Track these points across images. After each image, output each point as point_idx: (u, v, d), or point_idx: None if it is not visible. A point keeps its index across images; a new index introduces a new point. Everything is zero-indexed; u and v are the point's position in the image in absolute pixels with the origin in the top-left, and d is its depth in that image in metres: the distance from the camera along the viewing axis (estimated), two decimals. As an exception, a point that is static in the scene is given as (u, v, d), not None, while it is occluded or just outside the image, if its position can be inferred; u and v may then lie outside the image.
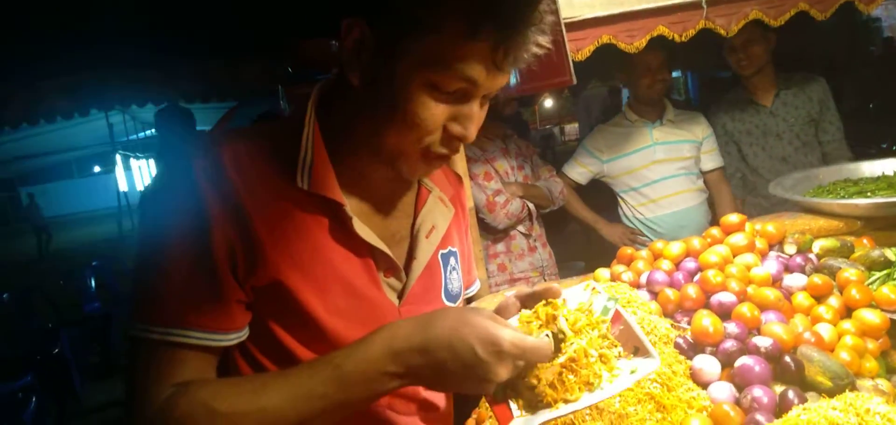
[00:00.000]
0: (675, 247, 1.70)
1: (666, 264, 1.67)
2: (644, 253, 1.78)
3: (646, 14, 2.09)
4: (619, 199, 2.96)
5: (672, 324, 1.45)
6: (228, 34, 3.64)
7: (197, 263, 0.79)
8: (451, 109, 0.80)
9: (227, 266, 0.79)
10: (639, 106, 2.84)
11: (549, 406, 0.79)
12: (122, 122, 9.33)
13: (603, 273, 1.78)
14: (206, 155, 0.81)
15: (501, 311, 0.92)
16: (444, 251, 1.04)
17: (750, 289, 1.47)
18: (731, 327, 1.34)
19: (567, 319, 0.83)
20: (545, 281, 2.67)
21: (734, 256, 1.62)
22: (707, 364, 1.28)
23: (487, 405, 1.29)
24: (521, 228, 2.70)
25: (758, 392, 1.15)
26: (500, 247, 2.70)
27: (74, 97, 3.61)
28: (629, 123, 2.85)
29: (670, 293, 1.53)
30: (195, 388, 0.77)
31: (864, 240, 1.69)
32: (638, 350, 0.85)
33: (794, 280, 1.52)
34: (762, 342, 1.26)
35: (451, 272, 1.05)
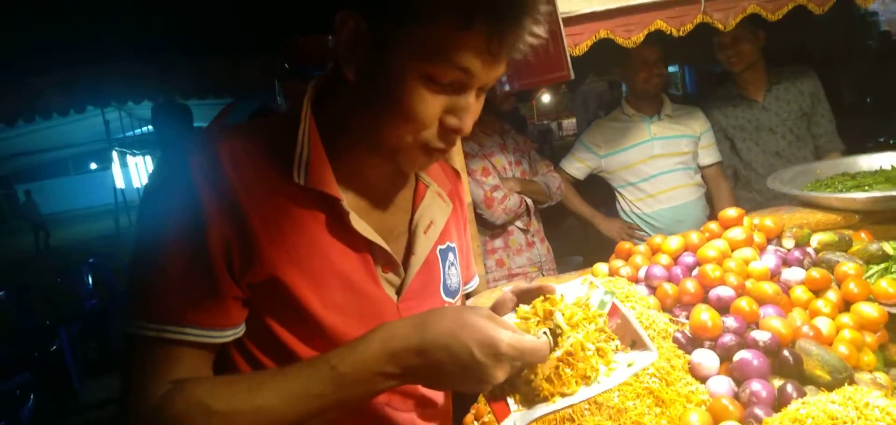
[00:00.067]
0: (674, 242, 1.70)
1: (664, 259, 1.67)
2: (642, 247, 1.78)
3: (643, 8, 2.08)
4: (617, 194, 2.95)
5: (670, 319, 1.45)
6: (225, 30, 3.63)
7: (193, 260, 0.78)
8: (447, 101, 0.80)
9: (223, 262, 0.79)
10: (636, 101, 2.84)
11: (546, 400, 0.79)
12: (118, 119, 9.30)
13: (601, 268, 1.78)
14: (202, 151, 0.81)
15: (498, 307, 0.91)
16: (443, 246, 1.04)
17: (748, 284, 1.47)
18: (730, 321, 1.34)
19: (563, 314, 0.83)
20: (543, 276, 2.67)
21: (732, 250, 1.62)
22: (705, 358, 1.28)
23: (485, 401, 1.29)
24: (518, 224, 2.70)
25: (756, 386, 1.15)
26: (498, 242, 2.70)
27: (70, 93, 3.60)
28: (627, 118, 2.85)
29: (668, 287, 1.53)
30: (191, 386, 0.77)
31: (862, 234, 1.69)
32: (635, 343, 0.85)
33: (793, 274, 1.52)
34: (761, 336, 1.26)
35: (449, 268, 1.05)
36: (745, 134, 2.86)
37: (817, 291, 1.46)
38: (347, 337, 0.80)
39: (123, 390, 0.80)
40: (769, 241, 1.71)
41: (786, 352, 1.22)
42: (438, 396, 1.04)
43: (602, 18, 2.07)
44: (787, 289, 1.49)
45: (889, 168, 2.14)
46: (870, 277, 1.48)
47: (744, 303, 1.38)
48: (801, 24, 2.40)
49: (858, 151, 2.41)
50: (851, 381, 1.15)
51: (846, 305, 1.42)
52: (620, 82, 2.92)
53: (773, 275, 1.55)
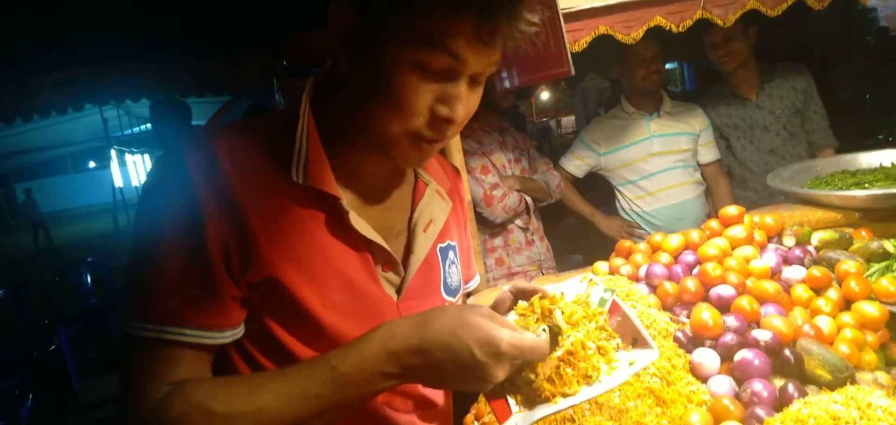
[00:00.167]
0: (674, 240, 1.69)
1: (664, 257, 1.66)
2: (642, 246, 1.78)
3: (643, 4, 2.08)
4: (617, 192, 2.95)
5: (671, 318, 1.45)
6: (224, 28, 3.62)
7: (191, 260, 0.78)
8: (438, 90, 0.79)
9: (221, 261, 0.78)
10: (635, 98, 2.83)
11: (547, 400, 0.78)
12: (116, 117, 9.30)
13: (601, 266, 1.77)
14: (200, 149, 0.80)
15: (496, 307, 0.91)
16: (443, 245, 1.03)
17: (749, 282, 1.47)
18: (731, 320, 1.33)
19: (564, 312, 0.83)
20: (543, 275, 2.67)
21: (733, 249, 1.62)
22: (706, 357, 1.27)
23: (485, 400, 1.28)
24: (518, 222, 2.70)
25: (757, 385, 1.14)
26: (498, 241, 2.69)
27: (68, 92, 3.60)
28: (626, 115, 2.85)
29: (669, 286, 1.53)
30: (190, 388, 0.76)
31: (863, 232, 1.69)
32: (636, 341, 0.84)
33: (793, 272, 1.52)
34: (762, 335, 1.25)
35: (449, 266, 1.04)
36: (739, 132, 2.86)
37: (818, 290, 1.45)
38: (347, 338, 0.79)
39: (122, 391, 0.79)
40: (769, 239, 1.70)
41: (787, 352, 1.22)
42: (439, 397, 1.04)
43: (602, 14, 2.06)
44: (787, 287, 1.48)
45: (889, 165, 2.14)
46: (870, 276, 1.47)
47: (745, 302, 1.37)
48: (799, 21, 2.39)
49: (857, 148, 2.40)
50: (853, 381, 1.15)
51: (847, 304, 1.42)
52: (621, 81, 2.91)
53: (774, 274, 1.54)
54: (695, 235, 1.69)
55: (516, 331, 0.76)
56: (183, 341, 0.78)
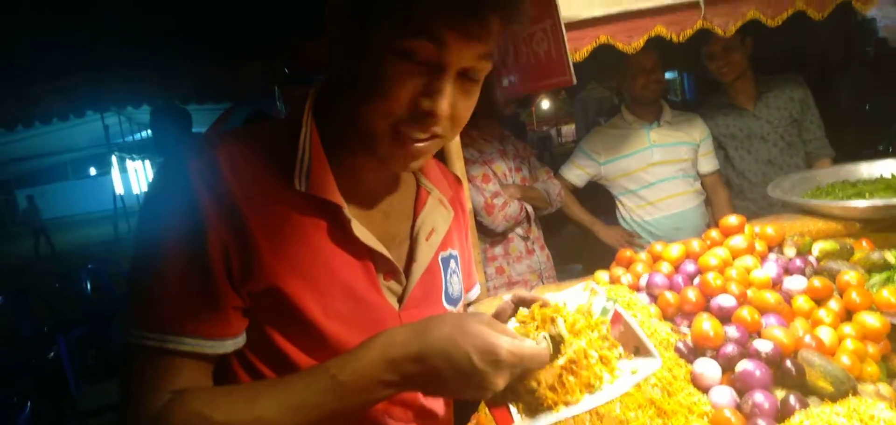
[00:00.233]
0: (675, 250, 1.69)
1: (665, 267, 1.66)
2: (643, 255, 1.77)
3: (644, 14, 2.08)
4: (617, 202, 2.95)
5: (672, 328, 1.45)
6: (226, 35, 3.64)
7: (192, 268, 0.77)
8: (423, 83, 0.77)
9: (222, 271, 0.78)
10: (635, 107, 2.84)
11: (549, 409, 0.78)
12: (117, 124, 9.32)
13: (602, 275, 1.77)
14: (201, 157, 0.80)
15: (498, 316, 0.90)
16: (445, 254, 1.03)
17: (750, 292, 1.47)
18: (732, 331, 1.33)
19: (566, 321, 0.82)
20: (543, 284, 2.67)
21: (734, 259, 1.62)
22: (707, 368, 1.27)
23: (487, 409, 1.28)
24: (519, 231, 2.69)
25: (759, 397, 1.14)
26: (498, 250, 2.69)
27: (70, 99, 3.61)
28: (626, 125, 2.85)
29: (670, 296, 1.53)
30: (190, 397, 0.76)
31: (864, 243, 1.68)
32: (639, 350, 0.84)
33: (794, 282, 1.52)
34: (763, 346, 1.25)
35: (451, 275, 1.04)
36: (736, 142, 2.87)
37: (819, 300, 1.45)
38: (349, 347, 0.79)
39: (123, 400, 0.79)
40: (770, 249, 1.70)
41: (788, 363, 1.22)
42: (438, 406, 1.03)
43: (602, 24, 2.07)
44: (788, 298, 1.48)
45: (889, 175, 2.14)
46: (872, 286, 1.47)
47: (745, 313, 1.37)
48: (799, 31, 2.40)
49: (857, 159, 2.41)
50: (855, 393, 1.15)
51: (848, 315, 1.41)
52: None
53: (775, 284, 1.54)
54: (695, 245, 1.69)
55: (516, 339, 0.75)
56: (184, 350, 0.78)
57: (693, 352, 1.34)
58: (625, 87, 2.87)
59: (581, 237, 3.08)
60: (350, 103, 0.80)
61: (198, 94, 3.91)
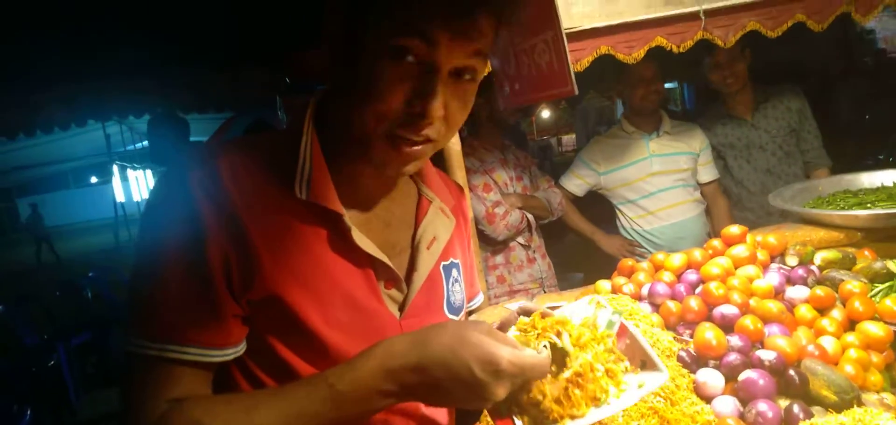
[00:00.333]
0: (677, 259, 1.69)
1: (667, 276, 1.66)
2: (645, 265, 1.77)
3: (644, 25, 2.09)
4: (617, 211, 2.95)
5: (674, 337, 1.44)
6: (227, 45, 3.65)
7: (192, 277, 0.77)
8: (415, 84, 0.77)
9: (222, 279, 0.78)
10: (635, 117, 2.85)
11: (555, 422, 0.77)
12: (119, 133, 9.33)
13: (604, 285, 1.77)
14: (202, 166, 0.80)
15: (503, 327, 0.90)
16: (446, 263, 1.02)
17: (752, 302, 1.46)
18: (735, 340, 1.33)
19: (571, 335, 0.82)
20: (545, 293, 2.66)
21: (736, 268, 1.61)
22: (711, 377, 1.26)
23: (490, 419, 1.27)
24: (520, 239, 2.69)
25: (762, 406, 1.14)
26: (499, 258, 2.69)
27: (72, 108, 3.61)
28: (626, 135, 2.85)
29: (672, 305, 1.52)
30: (189, 406, 0.76)
31: (866, 252, 1.68)
32: (645, 363, 0.84)
33: (797, 292, 1.51)
34: (766, 355, 1.25)
35: (453, 284, 1.03)
36: (735, 151, 2.88)
37: (822, 310, 1.45)
38: (349, 355, 0.78)
39: (123, 408, 0.79)
40: (772, 259, 1.70)
41: (792, 372, 1.21)
42: (440, 416, 1.03)
43: (603, 34, 2.08)
44: (791, 307, 1.48)
45: (891, 185, 2.14)
46: (875, 296, 1.46)
47: (748, 322, 1.37)
48: (798, 42, 2.41)
49: (857, 169, 2.41)
50: (859, 402, 1.14)
51: (851, 324, 1.41)
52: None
53: (778, 293, 1.54)
54: (697, 254, 1.68)
55: (517, 349, 0.75)
56: (184, 359, 0.78)
57: (696, 362, 1.34)
58: (624, 97, 2.87)
59: (582, 246, 3.08)
60: (346, 108, 0.80)
61: (199, 104, 3.91)
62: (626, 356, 0.85)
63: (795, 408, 1.12)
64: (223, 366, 0.83)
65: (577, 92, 1.75)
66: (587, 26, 2.05)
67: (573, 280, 3.42)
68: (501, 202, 2.57)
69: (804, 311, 1.44)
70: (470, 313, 1.23)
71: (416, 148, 0.80)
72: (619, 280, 1.75)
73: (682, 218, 2.80)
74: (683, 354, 1.35)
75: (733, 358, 1.28)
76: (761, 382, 1.19)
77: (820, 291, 1.46)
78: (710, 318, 1.46)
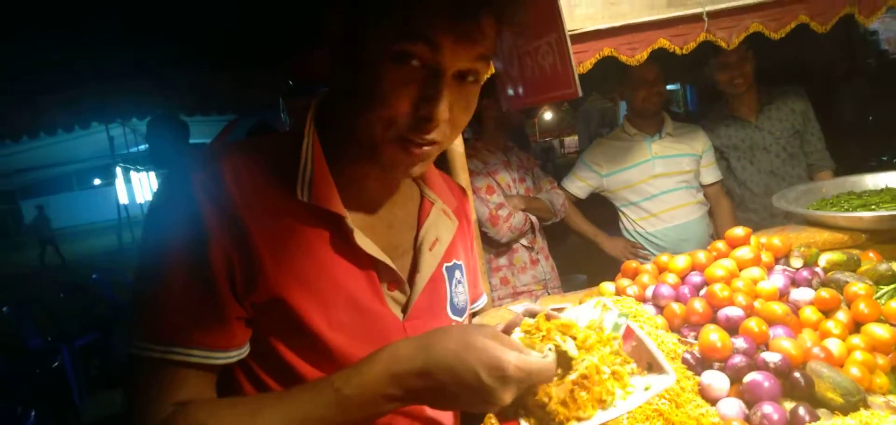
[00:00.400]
0: (681, 261, 1.69)
1: (671, 278, 1.66)
2: (649, 266, 1.77)
3: (647, 27, 2.09)
4: (620, 213, 2.95)
5: (679, 339, 1.44)
6: (230, 47, 3.65)
7: (195, 279, 0.77)
8: (420, 88, 0.76)
9: (225, 282, 0.78)
10: (637, 119, 2.84)
11: (561, 424, 0.77)
12: (122, 135, 9.36)
13: (608, 286, 1.76)
14: (205, 169, 0.80)
15: (508, 329, 0.90)
16: (449, 264, 1.02)
17: (757, 304, 1.46)
18: (739, 342, 1.32)
19: (576, 338, 0.82)
20: (548, 294, 2.66)
21: (740, 270, 1.61)
22: (715, 380, 1.26)
23: (495, 421, 1.27)
24: (523, 241, 2.69)
25: (768, 408, 1.13)
26: (503, 260, 2.69)
27: (75, 110, 3.62)
28: (628, 137, 2.85)
29: (676, 307, 1.52)
30: (194, 409, 0.76)
31: (871, 254, 1.68)
32: (651, 366, 0.83)
33: (802, 294, 1.51)
34: (771, 357, 1.24)
35: (456, 286, 1.03)
36: (739, 153, 2.87)
37: (827, 312, 1.44)
38: (353, 357, 0.78)
39: (127, 411, 0.79)
40: (777, 260, 1.69)
41: (797, 374, 1.21)
42: (445, 418, 1.03)
43: (606, 36, 2.08)
44: (796, 309, 1.47)
45: (895, 186, 2.13)
46: (880, 298, 1.46)
47: (753, 324, 1.36)
48: (801, 43, 2.40)
49: (860, 171, 2.40)
50: (865, 405, 1.14)
51: (857, 326, 1.40)
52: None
53: (782, 295, 1.53)
54: (701, 256, 1.68)
55: (523, 353, 0.75)
56: (188, 361, 0.78)
57: (700, 364, 1.33)
58: (626, 99, 2.87)
59: (585, 247, 3.08)
60: (351, 112, 0.80)
61: (202, 106, 3.92)
62: (633, 358, 0.85)
63: (801, 411, 1.12)
64: (227, 369, 0.83)
65: (580, 94, 1.75)
66: (590, 28, 2.05)
67: (577, 281, 3.41)
68: (505, 204, 2.57)
69: (809, 313, 1.44)
70: (474, 315, 1.23)
71: (422, 150, 0.80)
72: (623, 282, 1.75)
73: (685, 220, 2.79)
74: (688, 356, 1.35)
75: (738, 360, 1.27)
76: (766, 384, 1.19)
77: (825, 293, 1.46)
78: (714, 320, 1.46)
